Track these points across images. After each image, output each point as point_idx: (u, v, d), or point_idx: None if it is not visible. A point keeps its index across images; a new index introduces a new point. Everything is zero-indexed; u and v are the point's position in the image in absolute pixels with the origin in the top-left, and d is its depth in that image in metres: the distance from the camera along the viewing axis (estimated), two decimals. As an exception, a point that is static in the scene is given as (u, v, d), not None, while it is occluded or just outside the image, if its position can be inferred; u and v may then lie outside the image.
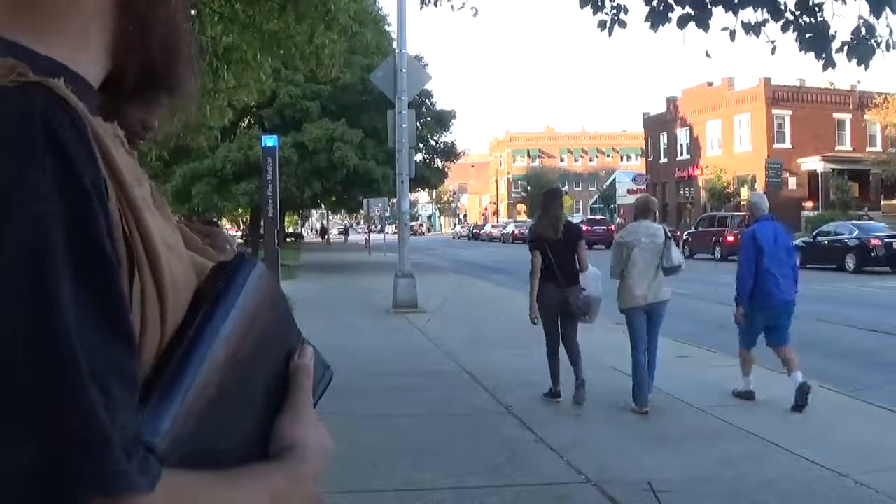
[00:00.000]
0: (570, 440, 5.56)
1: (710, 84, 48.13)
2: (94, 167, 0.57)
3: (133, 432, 0.56)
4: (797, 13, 5.68)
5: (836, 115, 44.35)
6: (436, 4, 7.31)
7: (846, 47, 5.55)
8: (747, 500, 4.41)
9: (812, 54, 5.68)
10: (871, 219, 29.52)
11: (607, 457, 5.19)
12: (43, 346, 0.53)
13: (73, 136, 0.57)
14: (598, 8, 6.37)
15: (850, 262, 23.17)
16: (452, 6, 7.36)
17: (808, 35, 5.63)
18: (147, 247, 0.62)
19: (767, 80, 43.71)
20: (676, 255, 6.64)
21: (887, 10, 5.42)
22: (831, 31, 5.64)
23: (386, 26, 26.60)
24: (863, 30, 5.53)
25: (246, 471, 0.68)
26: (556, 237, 6.59)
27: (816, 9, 5.67)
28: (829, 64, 5.67)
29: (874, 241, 22.91)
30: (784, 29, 5.73)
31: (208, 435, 0.65)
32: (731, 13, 5.86)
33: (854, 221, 26.95)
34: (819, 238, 25.46)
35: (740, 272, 6.71)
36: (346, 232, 77.24)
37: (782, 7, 5.71)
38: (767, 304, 6.60)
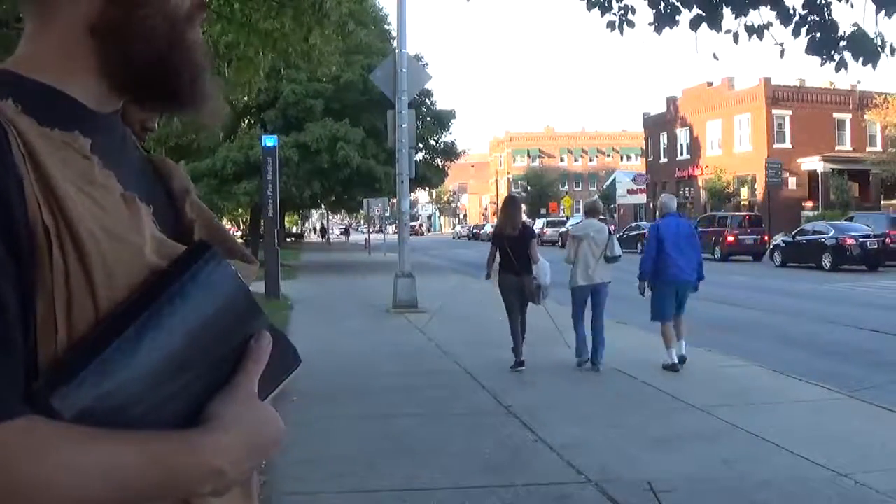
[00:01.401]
0: (570, 440, 5.56)
1: (710, 84, 48.10)
2: (3, 170, 0.68)
3: None
4: (805, 12, 5.65)
5: (836, 115, 44.31)
6: None
7: (852, 48, 5.52)
8: (747, 500, 4.41)
9: (820, 56, 5.63)
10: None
11: (607, 457, 5.19)
12: None
13: None
14: (605, 9, 6.38)
15: (827, 260, 23.85)
16: None
17: (817, 36, 5.59)
18: (71, 232, 0.71)
19: (767, 80, 43.69)
20: (617, 247, 8.33)
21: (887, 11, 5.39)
22: (839, 32, 5.60)
23: (386, 25, 26.61)
24: (867, 31, 5.50)
25: (132, 433, 0.71)
26: (514, 234, 8.16)
27: (825, 8, 5.64)
28: (842, 65, 5.62)
29: (849, 241, 23.60)
30: (795, 34, 5.68)
31: (117, 399, 0.70)
32: (736, 14, 5.83)
33: (833, 221, 27.42)
34: (798, 237, 25.82)
35: (643, 256, 8.45)
36: (346, 232, 77.38)
37: (791, 11, 5.67)
38: (669, 280, 8.14)
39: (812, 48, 5.63)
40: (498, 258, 8.35)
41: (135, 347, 0.71)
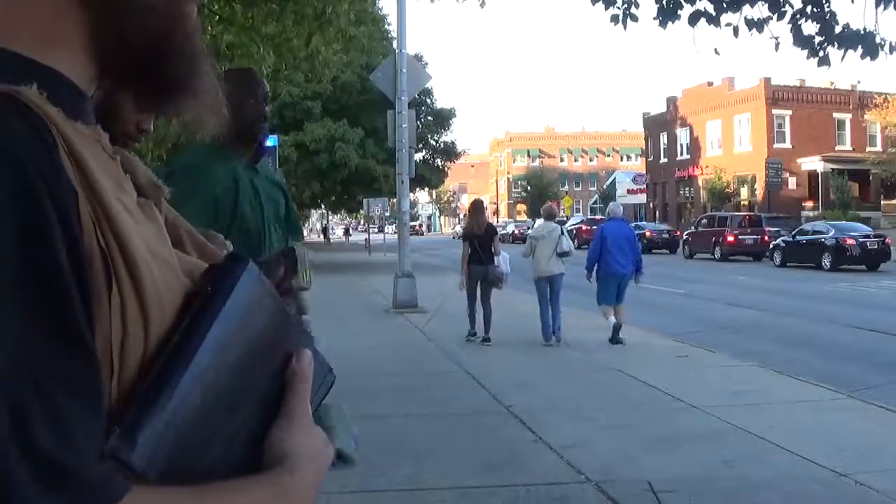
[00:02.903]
0: (570, 440, 5.56)
1: (710, 84, 48.12)
2: (54, 177, 0.56)
3: (85, 450, 0.55)
4: (803, 5, 5.64)
5: (836, 115, 44.32)
6: None
7: (853, 43, 5.51)
8: (747, 500, 4.41)
9: (808, 50, 5.65)
10: None
11: (607, 457, 5.19)
12: None
13: (31, 151, 0.56)
14: (609, 3, 6.37)
15: (827, 260, 23.98)
16: None
17: (813, 26, 5.58)
18: (125, 256, 0.60)
19: (767, 80, 43.69)
20: (567, 244, 10.10)
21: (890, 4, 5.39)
22: (838, 26, 5.59)
23: (386, 25, 26.62)
24: (868, 26, 5.50)
25: (225, 485, 0.65)
26: (480, 232, 10.04)
27: (824, 2, 5.63)
28: (824, 62, 5.64)
29: (849, 241, 23.76)
30: (779, 18, 5.70)
31: (193, 446, 0.64)
32: (737, 9, 5.82)
33: (832, 221, 27.51)
34: (798, 237, 25.90)
35: (589, 252, 10.25)
36: (347, 232, 77.62)
37: (781, 1, 5.68)
38: (610, 273, 9.91)
39: (799, 42, 5.63)
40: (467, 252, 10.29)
41: (198, 387, 0.63)
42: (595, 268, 10.04)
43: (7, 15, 0.64)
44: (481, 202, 11.16)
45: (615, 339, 9.70)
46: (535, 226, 11.03)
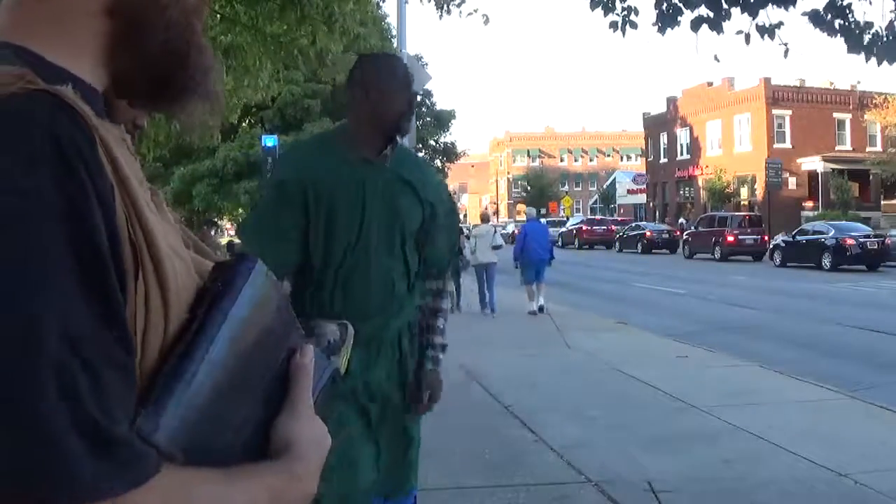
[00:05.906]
0: (570, 440, 5.56)
1: (710, 84, 48.07)
2: (98, 172, 0.60)
3: (125, 422, 0.58)
4: (828, 15, 5.63)
5: (836, 115, 44.27)
6: (448, 12, 7.28)
7: (874, 47, 5.48)
8: (747, 500, 4.41)
9: (864, 55, 5.60)
10: None
11: (607, 457, 5.19)
12: (18, 330, 0.54)
13: (76, 143, 0.59)
14: (608, 9, 6.36)
15: (827, 260, 24.03)
16: (461, 12, 7.37)
17: (846, 36, 5.56)
18: (151, 250, 0.64)
19: (767, 80, 43.66)
20: (499, 240, 13.87)
21: None
22: (868, 31, 5.58)
23: (384, 24, 26.65)
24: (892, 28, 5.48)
25: (243, 469, 0.69)
26: None
27: (847, 10, 5.62)
28: (882, 58, 5.59)
29: (849, 241, 23.81)
30: (831, 34, 5.63)
31: (208, 431, 0.68)
32: (744, 15, 5.79)
33: (832, 221, 27.53)
34: (798, 237, 25.93)
35: (514, 247, 13.67)
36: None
37: (822, 13, 5.63)
38: (531, 258, 13.07)
39: (852, 48, 5.58)
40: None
41: (212, 374, 0.67)
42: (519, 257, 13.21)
43: (37, 24, 0.67)
44: None
45: (536, 312, 12.55)
46: (476, 227, 14.72)
